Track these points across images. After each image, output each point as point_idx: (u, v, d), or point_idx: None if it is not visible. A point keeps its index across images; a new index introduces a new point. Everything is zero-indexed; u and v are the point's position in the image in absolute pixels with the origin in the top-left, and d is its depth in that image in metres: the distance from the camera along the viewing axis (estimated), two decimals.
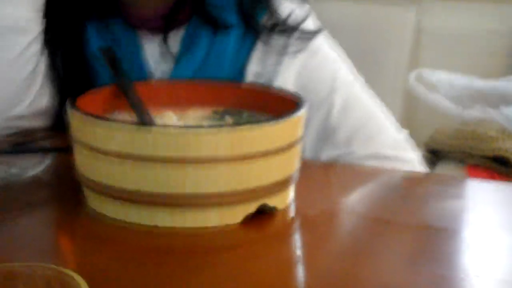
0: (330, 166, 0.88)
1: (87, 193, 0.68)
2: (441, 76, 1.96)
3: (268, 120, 0.67)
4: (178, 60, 0.94)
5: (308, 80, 0.95)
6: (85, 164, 0.67)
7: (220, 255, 0.61)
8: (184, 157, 0.62)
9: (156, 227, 0.64)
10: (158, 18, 0.93)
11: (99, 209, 0.67)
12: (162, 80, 0.87)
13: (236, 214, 0.65)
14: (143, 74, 0.94)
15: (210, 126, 0.69)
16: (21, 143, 0.80)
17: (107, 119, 0.65)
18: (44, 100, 0.93)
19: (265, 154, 0.64)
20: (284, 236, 0.66)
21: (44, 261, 0.54)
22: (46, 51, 0.92)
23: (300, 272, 0.59)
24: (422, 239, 0.64)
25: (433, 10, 2.37)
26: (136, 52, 0.94)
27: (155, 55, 0.95)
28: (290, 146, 0.66)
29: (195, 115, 0.78)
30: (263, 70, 0.94)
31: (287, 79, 0.93)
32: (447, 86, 1.95)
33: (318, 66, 0.96)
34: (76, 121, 0.66)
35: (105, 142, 0.63)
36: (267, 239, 0.65)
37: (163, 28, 0.93)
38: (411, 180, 0.84)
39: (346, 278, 0.56)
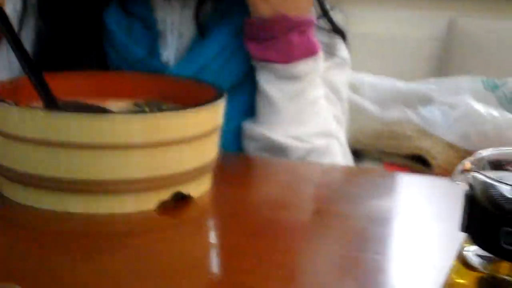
0: (252, 159, 0.89)
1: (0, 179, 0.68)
2: (364, 79, 2.00)
3: (183, 108, 0.67)
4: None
5: None
6: None
7: (133, 238, 0.62)
8: (97, 143, 0.62)
9: (69, 213, 0.64)
10: None
11: (11, 195, 0.66)
12: (83, 72, 0.85)
13: (151, 201, 0.65)
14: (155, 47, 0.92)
15: (123, 113, 0.69)
16: None
17: (17, 105, 0.65)
18: None
19: (180, 141, 0.65)
20: (198, 223, 0.67)
21: None
22: None
23: (211, 255, 0.60)
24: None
25: (361, 15, 2.43)
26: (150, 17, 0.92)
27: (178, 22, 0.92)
28: (205, 135, 0.67)
29: (116, 106, 0.78)
30: None
31: None
32: (369, 88, 1.99)
33: None
34: None
35: (17, 128, 0.63)
36: (180, 225, 0.66)
37: None
38: (328, 172, 0.86)
39: (261, 261, 0.58)
